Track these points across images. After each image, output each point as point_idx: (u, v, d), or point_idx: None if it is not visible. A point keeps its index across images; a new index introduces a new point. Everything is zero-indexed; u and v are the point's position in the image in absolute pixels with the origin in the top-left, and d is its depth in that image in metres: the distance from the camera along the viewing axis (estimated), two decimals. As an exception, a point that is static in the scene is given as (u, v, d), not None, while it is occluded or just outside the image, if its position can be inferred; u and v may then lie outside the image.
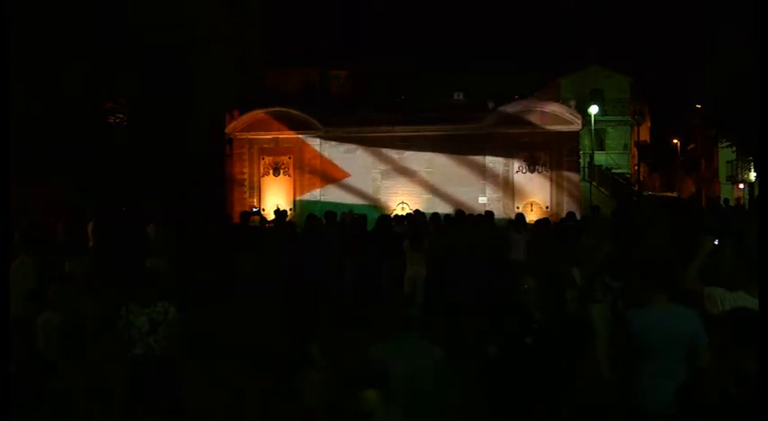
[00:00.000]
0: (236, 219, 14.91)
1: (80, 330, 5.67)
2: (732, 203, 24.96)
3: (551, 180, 23.50)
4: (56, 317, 5.47)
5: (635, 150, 43.80)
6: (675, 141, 52.40)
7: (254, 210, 22.10)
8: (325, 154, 24.55)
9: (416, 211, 15.11)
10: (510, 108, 24.08)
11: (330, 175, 24.49)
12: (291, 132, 24.51)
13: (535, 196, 23.48)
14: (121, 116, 22.99)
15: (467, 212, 15.68)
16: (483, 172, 23.82)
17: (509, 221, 13.06)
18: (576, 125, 23.97)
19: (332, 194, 24.21)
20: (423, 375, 3.94)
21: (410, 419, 3.90)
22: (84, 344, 5.69)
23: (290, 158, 24.80)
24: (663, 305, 4.44)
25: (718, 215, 15.36)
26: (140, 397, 5.44)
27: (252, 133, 24.79)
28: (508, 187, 23.68)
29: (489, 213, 13.59)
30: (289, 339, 4.57)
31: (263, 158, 24.95)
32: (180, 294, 8.86)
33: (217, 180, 24.99)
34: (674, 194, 40.55)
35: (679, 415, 3.71)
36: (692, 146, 48.33)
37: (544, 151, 23.53)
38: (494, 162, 23.79)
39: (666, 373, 4.26)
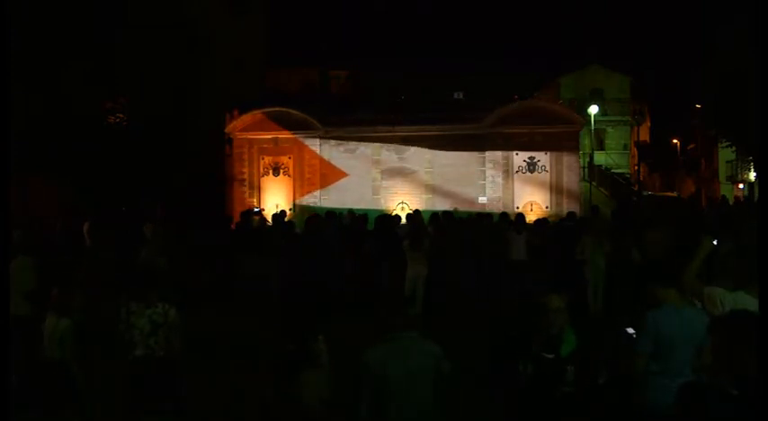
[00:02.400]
0: (237, 219, 14.91)
1: (90, 333, 5.67)
2: (732, 203, 24.91)
3: (551, 180, 23.49)
4: (65, 322, 5.44)
5: (635, 150, 43.77)
6: (675, 141, 52.39)
7: (256, 210, 22.10)
8: (325, 154, 24.54)
9: (416, 211, 15.11)
10: (510, 108, 24.09)
11: (330, 175, 24.48)
12: (291, 132, 24.49)
13: (535, 196, 23.47)
14: (121, 116, 22.98)
15: (468, 212, 15.71)
16: (483, 172, 23.82)
17: (508, 221, 13.05)
18: (576, 125, 23.97)
19: (332, 194, 24.20)
20: (422, 375, 3.93)
21: (410, 419, 3.90)
22: (94, 347, 5.68)
23: (289, 158, 24.79)
24: (676, 304, 4.46)
25: (718, 215, 15.35)
26: (141, 398, 5.44)
27: (252, 133, 24.78)
28: (508, 187, 23.67)
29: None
30: (289, 339, 4.56)
31: (263, 158, 24.94)
32: (179, 294, 8.87)
33: (217, 180, 24.98)
34: (674, 194, 40.51)
35: (679, 415, 3.70)
36: (691, 146, 48.32)
37: (544, 151, 23.52)
38: (494, 162, 23.79)
39: (676, 373, 4.28)
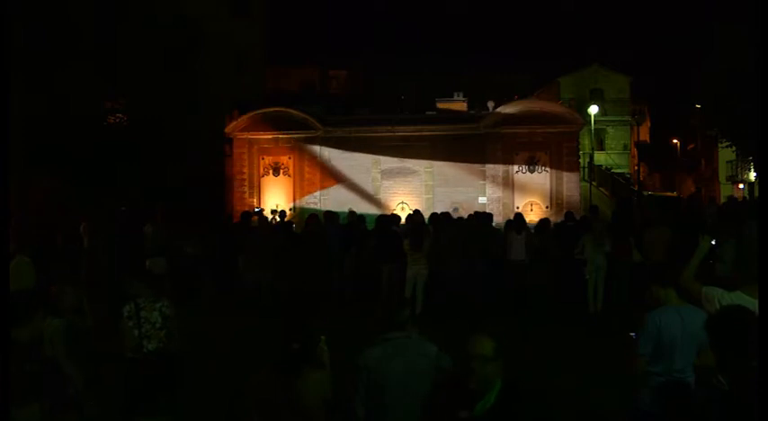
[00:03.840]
0: (237, 218, 14.91)
1: (85, 333, 5.68)
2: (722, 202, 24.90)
3: (551, 180, 23.49)
4: (56, 322, 5.44)
5: (635, 150, 43.80)
6: (675, 141, 52.39)
7: (256, 210, 22.10)
8: (325, 154, 24.54)
9: (416, 211, 15.11)
10: (510, 108, 24.07)
11: (330, 175, 24.49)
12: (291, 132, 24.50)
13: (535, 196, 23.47)
14: (121, 116, 23.00)
15: (467, 212, 15.69)
16: (483, 172, 23.81)
17: (508, 221, 13.03)
18: (576, 125, 23.96)
19: (331, 194, 24.20)
20: (420, 376, 3.92)
21: (409, 419, 3.89)
22: (91, 347, 5.69)
23: (289, 158, 24.80)
24: (677, 304, 4.45)
25: (716, 214, 15.32)
26: (147, 394, 5.43)
27: (252, 133, 24.78)
28: (508, 187, 23.67)
29: (488, 215, 13.59)
30: (290, 338, 4.55)
31: (263, 158, 24.94)
32: (180, 293, 8.87)
33: (217, 180, 24.99)
34: (674, 194, 40.53)
35: (677, 415, 3.70)
36: (691, 146, 48.32)
37: (544, 151, 23.52)
38: (493, 162, 23.78)
39: (678, 374, 4.27)
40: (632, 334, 4.55)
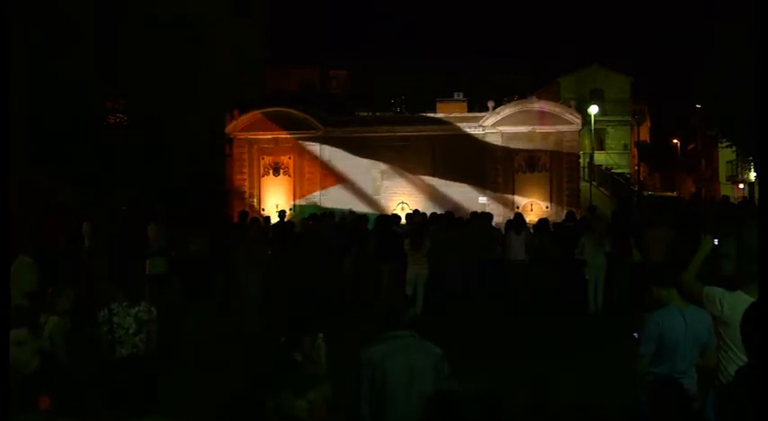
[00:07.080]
0: (236, 219, 14.90)
1: (76, 333, 5.68)
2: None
3: (551, 180, 23.49)
4: (53, 319, 5.44)
5: (635, 150, 43.80)
6: (675, 141, 52.35)
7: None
8: (325, 154, 24.54)
9: (416, 211, 15.11)
10: (510, 108, 24.08)
11: (330, 175, 24.49)
12: (291, 132, 24.50)
13: (535, 196, 23.47)
14: (121, 116, 22.98)
15: (467, 212, 15.70)
16: (483, 172, 23.81)
17: (508, 221, 13.04)
18: (576, 125, 23.96)
19: (331, 194, 24.21)
20: (423, 375, 3.92)
21: (409, 419, 3.89)
22: (81, 347, 5.69)
23: (289, 158, 24.80)
24: (680, 305, 4.44)
25: (716, 213, 15.30)
26: (126, 398, 5.43)
27: (252, 133, 24.79)
28: (508, 187, 23.67)
29: (488, 215, 13.60)
30: (287, 339, 4.55)
31: (263, 158, 24.95)
32: (180, 293, 8.86)
33: (217, 180, 24.98)
34: (674, 194, 40.50)
35: (653, 412, 3.70)
36: (691, 146, 48.30)
37: (544, 151, 23.53)
38: (493, 162, 23.78)
39: (680, 374, 4.25)
40: (635, 334, 4.53)
